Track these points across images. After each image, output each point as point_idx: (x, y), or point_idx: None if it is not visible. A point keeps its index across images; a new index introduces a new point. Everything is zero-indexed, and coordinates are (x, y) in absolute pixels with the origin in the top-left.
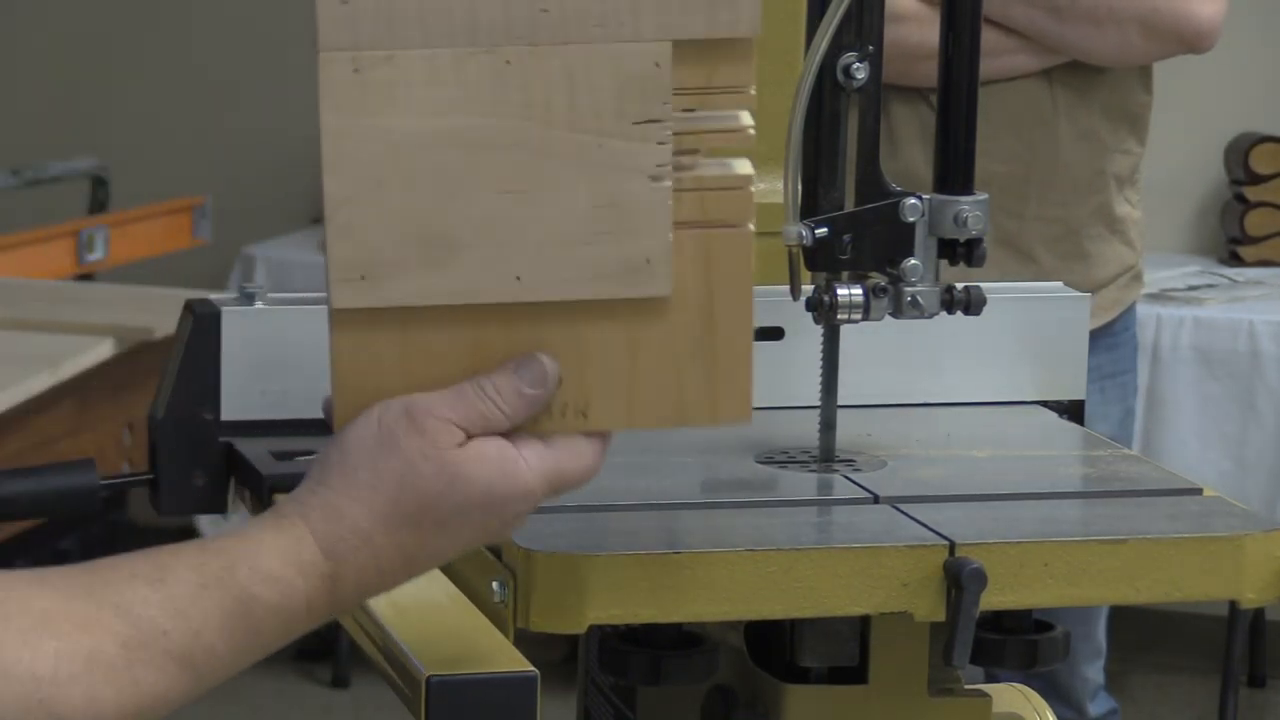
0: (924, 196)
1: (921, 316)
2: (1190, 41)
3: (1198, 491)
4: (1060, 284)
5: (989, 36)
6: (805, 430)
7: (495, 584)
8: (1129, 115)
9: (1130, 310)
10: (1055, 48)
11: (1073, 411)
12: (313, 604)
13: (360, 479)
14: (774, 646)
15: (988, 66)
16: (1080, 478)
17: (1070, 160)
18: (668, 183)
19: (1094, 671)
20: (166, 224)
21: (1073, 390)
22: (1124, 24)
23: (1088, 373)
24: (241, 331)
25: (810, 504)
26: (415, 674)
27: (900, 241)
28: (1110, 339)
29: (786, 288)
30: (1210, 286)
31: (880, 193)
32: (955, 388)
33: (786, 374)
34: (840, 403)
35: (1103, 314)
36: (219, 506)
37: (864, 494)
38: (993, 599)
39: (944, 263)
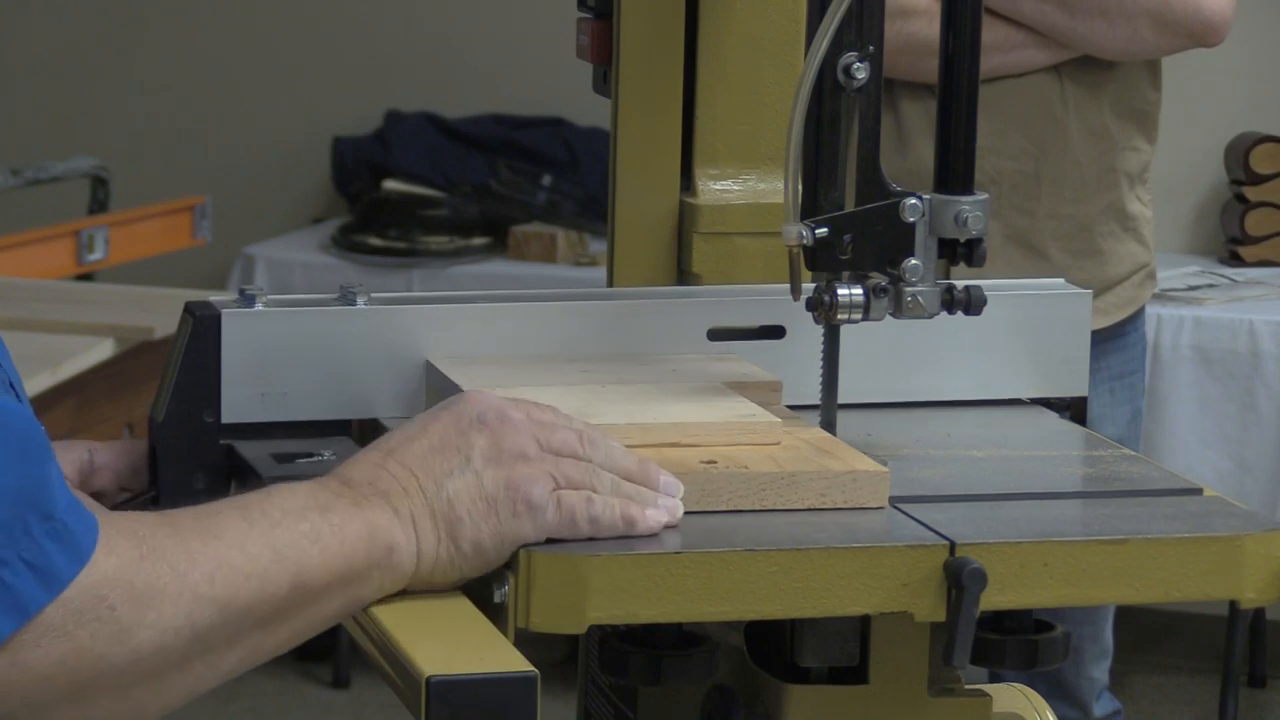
0: (924, 196)
1: (922, 316)
2: (1200, 36)
3: (1198, 491)
4: (1062, 280)
5: (999, 31)
6: None
7: (495, 584)
8: (1138, 113)
9: (1141, 310)
10: (1066, 42)
11: (1075, 409)
12: (321, 498)
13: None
14: (774, 646)
15: (998, 61)
16: (1080, 478)
17: (1080, 157)
18: None
19: (1100, 672)
20: (166, 224)
21: (1074, 387)
22: (1134, 18)
23: (1099, 374)
24: (241, 333)
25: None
26: (415, 674)
27: (900, 241)
28: (1122, 339)
29: (786, 288)
30: (1210, 286)
31: (880, 193)
32: (956, 386)
33: (786, 374)
34: (840, 402)
35: (1117, 312)
36: None
37: None
38: (993, 599)
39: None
